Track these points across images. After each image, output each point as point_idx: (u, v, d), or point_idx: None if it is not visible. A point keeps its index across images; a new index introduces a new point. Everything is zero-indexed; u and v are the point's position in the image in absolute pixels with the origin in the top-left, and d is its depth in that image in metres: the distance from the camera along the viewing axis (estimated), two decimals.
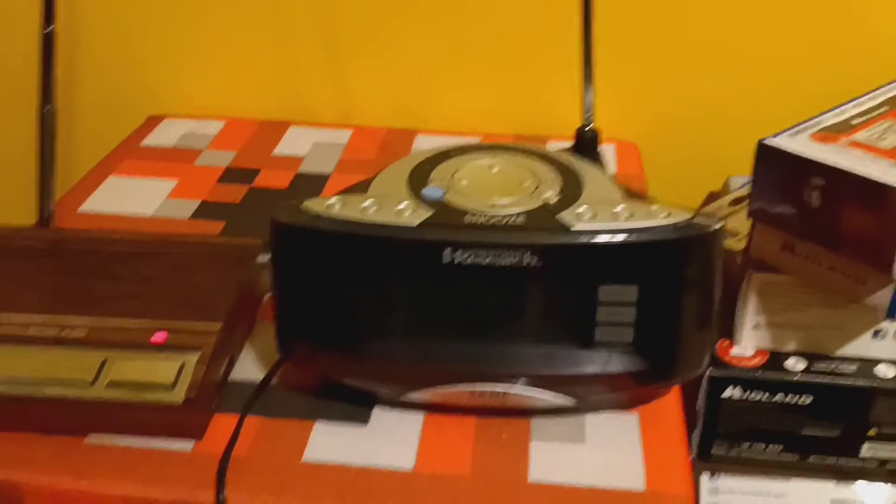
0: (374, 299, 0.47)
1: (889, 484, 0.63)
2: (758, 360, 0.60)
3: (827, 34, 0.79)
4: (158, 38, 0.87)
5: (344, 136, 0.84)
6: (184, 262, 0.57)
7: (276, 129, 0.85)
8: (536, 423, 0.51)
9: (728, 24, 0.80)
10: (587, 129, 0.57)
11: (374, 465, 0.48)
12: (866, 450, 0.61)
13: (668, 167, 0.86)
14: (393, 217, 0.46)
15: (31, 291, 0.54)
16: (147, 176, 0.76)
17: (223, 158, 0.79)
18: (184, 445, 0.49)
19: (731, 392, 0.60)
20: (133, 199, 0.72)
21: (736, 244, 0.64)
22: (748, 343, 0.61)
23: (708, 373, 0.59)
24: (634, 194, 0.50)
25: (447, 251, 0.45)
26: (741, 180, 0.78)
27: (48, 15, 0.58)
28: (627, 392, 0.51)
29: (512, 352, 0.48)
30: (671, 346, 0.48)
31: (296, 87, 0.88)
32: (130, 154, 0.80)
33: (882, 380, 0.58)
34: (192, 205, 0.72)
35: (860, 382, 0.59)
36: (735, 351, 0.61)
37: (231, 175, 0.77)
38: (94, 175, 0.76)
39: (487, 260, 0.45)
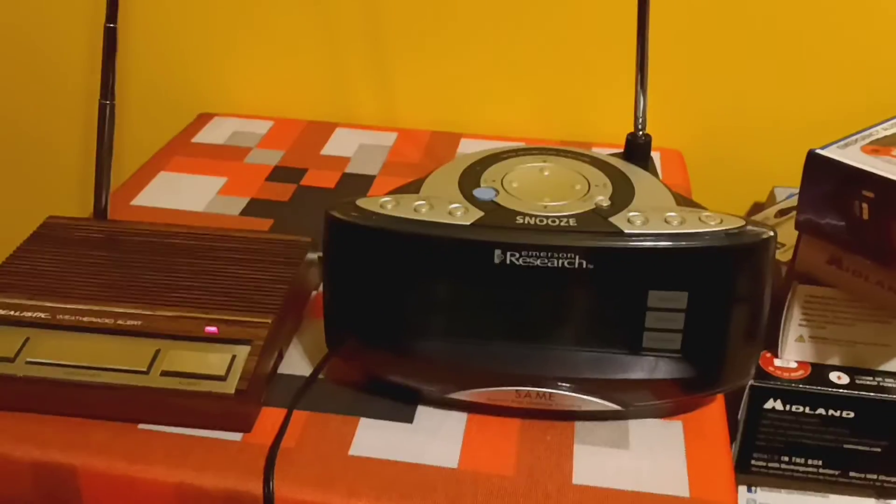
0: (423, 298, 0.48)
1: None
2: (800, 373, 0.60)
3: (878, 45, 0.79)
4: (207, 40, 0.89)
5: (389, 138, 0.85)
6: (236, 257, 0.58)
7: (323, 130, 0.87)
8: (581, 427, 0.51)
9: (775, 33, 0.80)
10: (639, 134, 0.57)
11: (419, 461, 0.48)
12: None
13: (712, 177, 0.85)
14: (445, 217, 0.47)
15: (88, 281, 0.55)
16: (197, 173, 0.77)
17: (272, 157, 0.81)
18: (233, 436, 0.50)
19: (773, 404, 0.60)
20: (184, 195, 0.74)
21: (781, 256, 0.64)
22: (791, 355, 0.60)
23: (750, 383, 0.59)
24: (686, 201, 0.50)
25: (498, 252, 0.46)
26: (787, 191, 0.78)
27: (112, 11, 0.60)
28: (672, 399, 0.51)
29: (559, 355, 0.49)
30: (719, 354, 0.48)
31: (342, 90, 0.89)
32: (181, 151, 0.82)
33: None
34: (242, 202, 0.73)
35: None
36: (778, 362, 0.60)
37: (279, 174, 0.78)
38: (146, 170, 0.78)
39: (538, 261, 0.45)
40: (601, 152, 0.56)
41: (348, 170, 0.79)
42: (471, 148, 0.83)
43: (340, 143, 0.84)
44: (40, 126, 0.97)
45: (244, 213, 0.71)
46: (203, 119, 0.88)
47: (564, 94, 0.86)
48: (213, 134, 0.85)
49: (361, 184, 0.77)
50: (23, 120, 0.97)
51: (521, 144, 0.56)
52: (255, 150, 0.82)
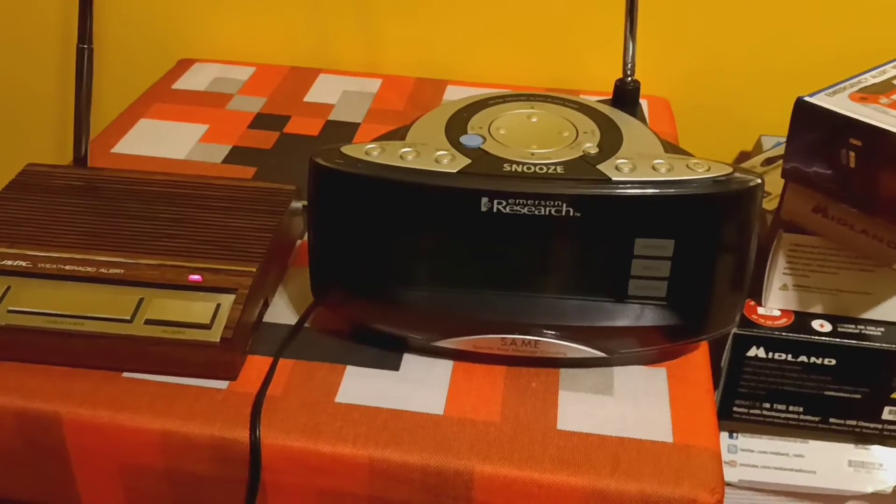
0: (409, 246, 0.48)
1: None
2: (784, 321, 0.60)
3: None
4: None
5: (373, 84, 0.84)
6: (220, 206, 0.57)
7: (306, 76, 0.85)
8: (565, 374, 0.51)
9: None
10: (628, 80, 0.56)
11: (405, 408, 0.48)
12: (888, 413, 0.62)
13: (699, 125, 0.85)
14: (432, 164, 0.46)
15: (69, 229, 0.54)
16: (178, 120, 0.76)
17: (254, 104, 0.79)
18: (218, 384, 0.49)
19: (756, 351, 0.60)
20: (165, 143, 0.72)
21: (767, 204, 0.64)
22: (775, 303, 0.61)
23: (733, 331, 0.59)
24: (674, 148, 0.49)
25: (485, 199, 0.45)
26: (773, 140, 0.78)
27: None
28: (657, 347, 0.51)
29: (545, 302, 0.49)
30: (704, 302, 0.49)
31: (325, 35, 0.88)
32: (161, 97, 0.80)
33: None
34: (224, 150, 0.72)
35: (885, 346, 0.59)
36: (761, 311, 0.61)
37: (262, 121, 0.77)
38: (126, 117, 0.76)
39: (525, 209, 0.45)
40: (589, 99, 0.56)
41: (332, 117, 0.78)
42: (457, 95, 0.82)
43: (324, 90, 0.83)
44: (17, 71, 0.95)
45: (226, 160, 0.70)
46: (184, 65, 0.87)
47: (552, 39, 0.84)
48: (195, 80, 0.84)
49: (346, 131, 0.76)
50: None
51: (509, 91, 0.55)
52: (237, 96, 0.81)
